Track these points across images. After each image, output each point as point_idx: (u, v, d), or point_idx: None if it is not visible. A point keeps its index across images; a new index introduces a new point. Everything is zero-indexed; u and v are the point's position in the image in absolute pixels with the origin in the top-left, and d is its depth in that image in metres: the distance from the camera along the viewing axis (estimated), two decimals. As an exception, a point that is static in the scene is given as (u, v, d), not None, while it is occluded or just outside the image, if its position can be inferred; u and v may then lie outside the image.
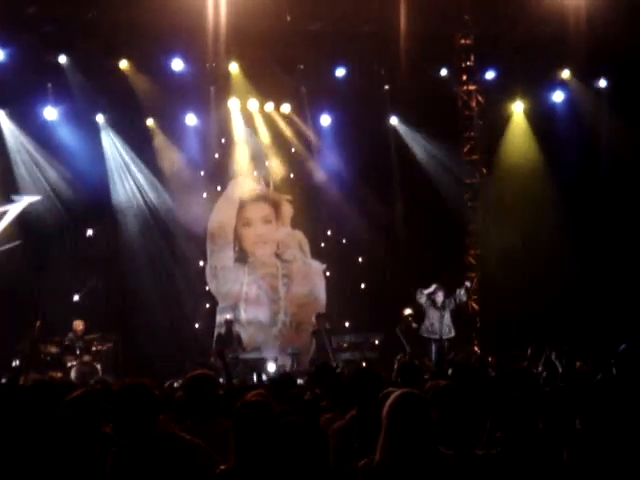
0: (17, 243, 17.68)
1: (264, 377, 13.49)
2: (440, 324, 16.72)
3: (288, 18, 17.06)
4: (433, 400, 4.64)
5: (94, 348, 16.71)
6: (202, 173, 19.31)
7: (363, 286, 19.00)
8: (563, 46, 17.34)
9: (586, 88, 19.04)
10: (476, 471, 4.24)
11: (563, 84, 19.19)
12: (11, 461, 3.36)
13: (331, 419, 5.74)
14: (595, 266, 18.48)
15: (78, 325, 17.06)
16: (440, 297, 16.85)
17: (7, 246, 17.60)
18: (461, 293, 16.93)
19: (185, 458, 4.64)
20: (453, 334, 16.82)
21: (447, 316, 16.85)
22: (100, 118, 18.36)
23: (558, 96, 19.36)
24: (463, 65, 18.97)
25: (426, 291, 16.88)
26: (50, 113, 17.78)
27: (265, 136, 19.41)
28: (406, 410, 4.04)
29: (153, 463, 4.58)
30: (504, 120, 19.40)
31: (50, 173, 18.04)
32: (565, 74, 18.79)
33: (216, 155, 19.43)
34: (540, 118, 19.23)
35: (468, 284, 17.45)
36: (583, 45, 16.95)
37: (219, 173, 19.55)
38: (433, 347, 16.70)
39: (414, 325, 17.21)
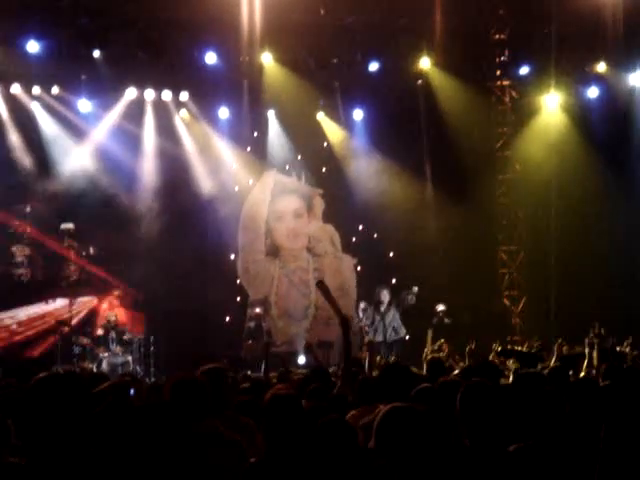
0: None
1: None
2: (383, 327, 16.74)
3: (322, 12, 17.03)
4: (464, 396, 4.59)
5: (125, 338, 16.87)
6: (234, 166, 19.35)
7: (394, 281, 18.92)
8: (598, 40, 17.14)
9: (622, 83, 18.81)
10: (509, 467, 4.20)
11: (598, 79, 18.96)
12: (36, 456, 3.37)
13: (357, 416, 5.66)
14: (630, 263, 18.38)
15: (111, 315, 17.25)
16: (385, 296, 16.97)
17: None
18: (408, 297, 16.97)
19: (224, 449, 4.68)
20: (401, 335, 16.79)
21: (390, 318, 16.89)
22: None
23: (593, 91, 19.14)
24: (497, 60, 18.82)
25: (360, 309, 17.44)
26: (84, 105, 17.88)
27: (297, 130, 19.41)
28: (395, 427, 3.98)
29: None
30: (538, 115, 19.24)
31: (84, 164, 18.14)
32: (600, 68, 18.48)
33: (248, 148, 19.48)
34: (575, 113, 19.04)
35: (415, 289, 17.41)
36: (619, 39, 16.76)
37: (251, 166, 19.58)
38: (382, 351, 16.76)
39: (447, 320, 17.18)
